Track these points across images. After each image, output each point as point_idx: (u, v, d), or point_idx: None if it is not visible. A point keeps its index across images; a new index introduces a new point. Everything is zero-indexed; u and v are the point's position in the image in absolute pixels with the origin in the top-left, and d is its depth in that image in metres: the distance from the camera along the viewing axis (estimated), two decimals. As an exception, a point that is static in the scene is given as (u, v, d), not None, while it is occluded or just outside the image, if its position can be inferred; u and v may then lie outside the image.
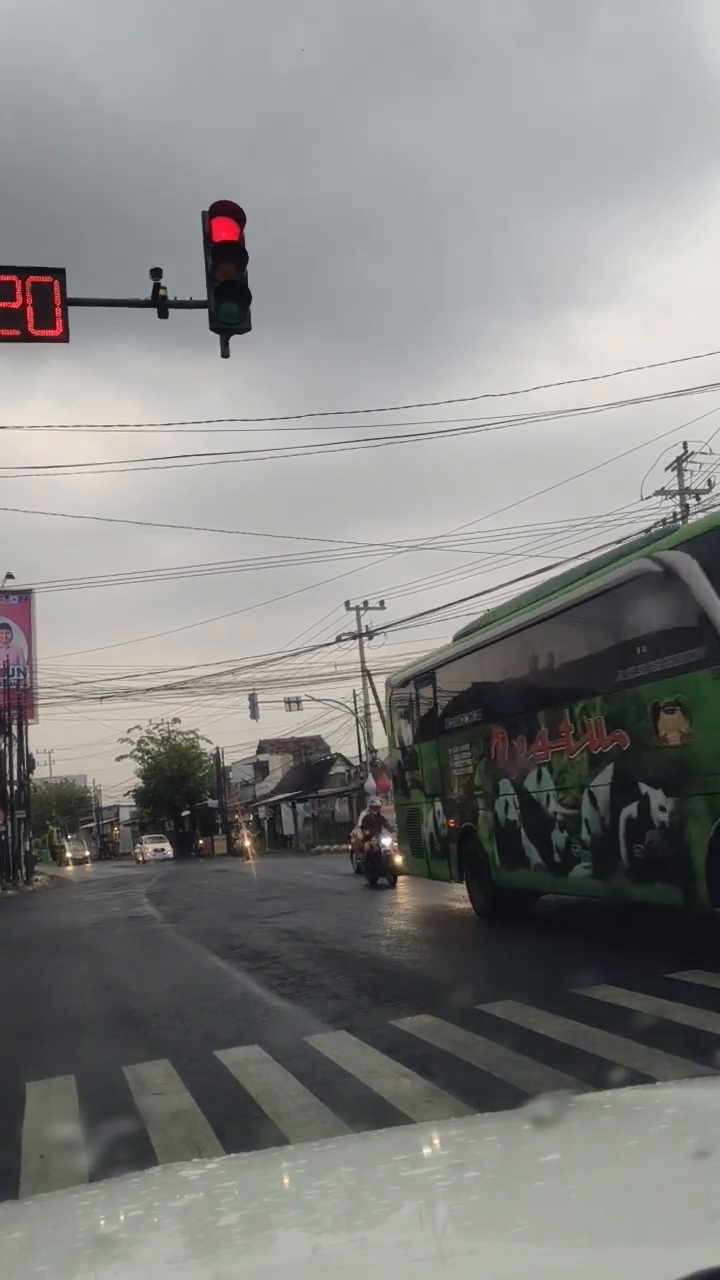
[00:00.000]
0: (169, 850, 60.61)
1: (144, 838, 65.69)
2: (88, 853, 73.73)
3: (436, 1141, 1.82)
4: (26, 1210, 1.85)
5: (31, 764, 48.89)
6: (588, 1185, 1.44)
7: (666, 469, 31.44)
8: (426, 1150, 1.70)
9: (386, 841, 19.57)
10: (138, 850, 63.11)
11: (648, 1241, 1.19)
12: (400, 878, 19.29)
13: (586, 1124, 1.69)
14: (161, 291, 9.43)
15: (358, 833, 24.35)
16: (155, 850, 59.58)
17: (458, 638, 14.84)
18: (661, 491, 31.31)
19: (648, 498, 31.32)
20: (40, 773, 68.46)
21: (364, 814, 22.95)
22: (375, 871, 20.24)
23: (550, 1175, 1.50)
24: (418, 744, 15.66)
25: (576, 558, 34.05)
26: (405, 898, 17.77)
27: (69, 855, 69.56)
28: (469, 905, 13.75)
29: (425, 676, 15.27)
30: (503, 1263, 1.19)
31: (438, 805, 14.64)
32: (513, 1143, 1.66)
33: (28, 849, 45.05)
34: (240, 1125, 5.23)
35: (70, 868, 62.26)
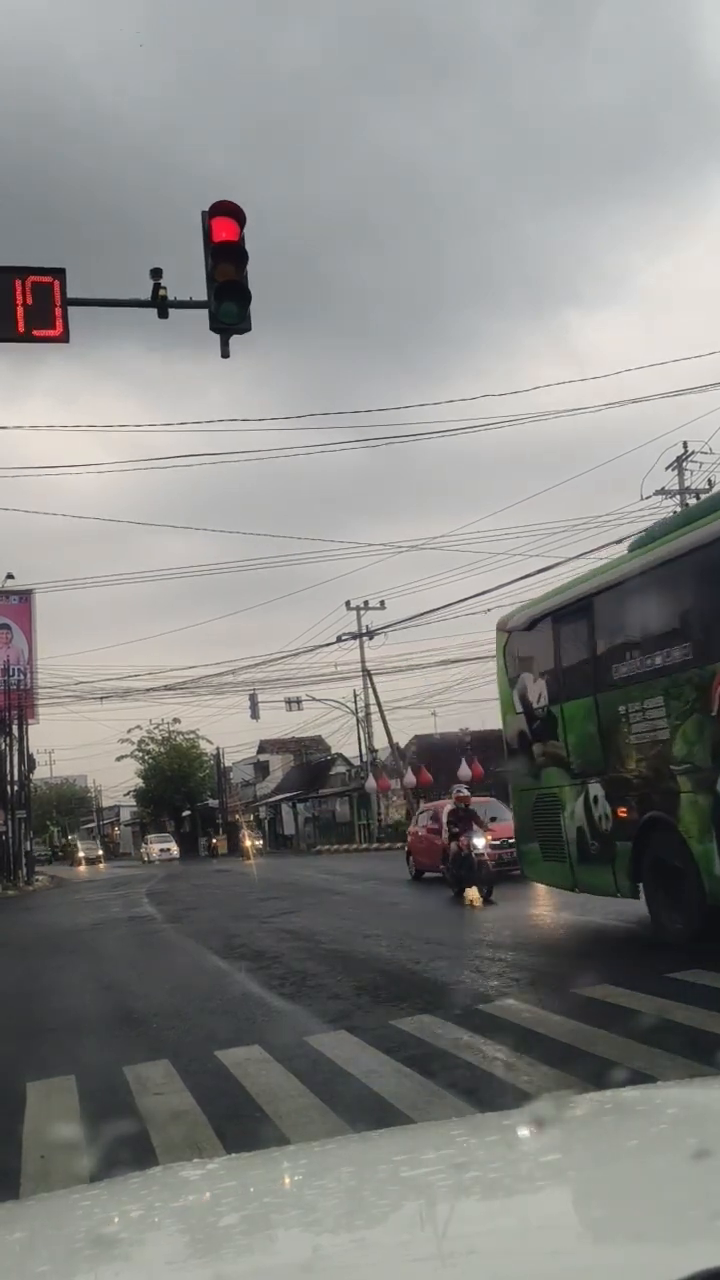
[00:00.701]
0: (175, 850, 59.43)
1: (149, 837, 64.58)
2: (101, 852, 72.01)
3: (437, 1141, 1.82)
4: (27, 1210, 1.85)
5: (32, 764, 48.93)
6: (588, 1185, 1.44)
7: (667, 468, 31.48)
8: (427, 1150, 1.70)
9: (481, 843, 15.64)
10: (143, 850, 62.05)
11: (648, 1241, 1.19)
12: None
13: (587, 1124, 1.70)
14: (161, 292, 9.44)
15: (421, 829, 21.23)
16: (161, 850, 58.44)
17: (637, 548, 10.72)
18: (662, 491, 31.34)
19: (648, 497, 31.33)
20: (41, 773, 68.20)
21: (447, 806, 17.90)
22: (466, 880, 15.40)
23: (551, 1175, 1.50)
24: (559, 704, 11.58)
25: (577, 557, 34.15)
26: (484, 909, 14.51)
27: (82, 855, 67.89)
28: (588, 919, 11.72)
29: (576, 609, 11.24)
30: (503, 1263, 1.18)
31: (596, 788, 10.68)
32: (513, 1143, 1.67)
33: (28, 849, 45.04)
34: (241, 1125, 5.23)
35: (83, 868, 60.87)
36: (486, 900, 14.92)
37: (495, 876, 15.69)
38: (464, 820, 15.99)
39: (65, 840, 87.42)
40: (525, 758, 12.56)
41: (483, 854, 15.68)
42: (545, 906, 14.04)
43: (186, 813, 72.89)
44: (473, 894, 15.02)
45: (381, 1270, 1.21)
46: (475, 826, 15.84)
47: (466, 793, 17.33)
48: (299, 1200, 1.58)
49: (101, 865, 63.06)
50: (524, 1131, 1.69)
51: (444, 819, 17.39)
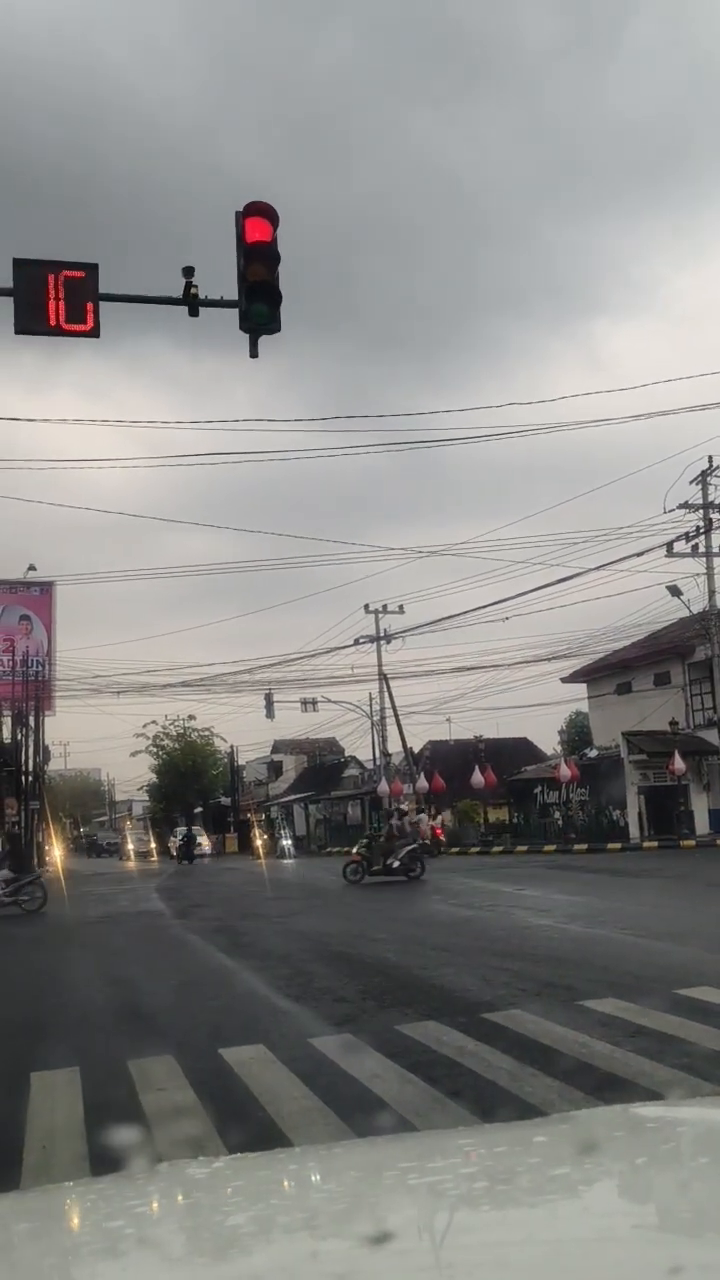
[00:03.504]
0: (207, 846, 53.53)
1: (179, 830, 57.84)
2: (153, 844, 61.63)
3: (445, 1150, 1.81)
4: (32, 1202, 1.86)
5: (47, 755, 49.13)
6: (598, 1201, 1.43)
7: (691, 482, 31.36)
8: (435, 1158, 1.70)
9: None
10: (171, 844, 55.55)
11: (657, 1259, 1.19)
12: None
13: (597, 1139, 1.69)
14: (193, 290, 9.48)
15: None
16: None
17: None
18: (685, 505, 31.22)
19: (671, 511, 31.25)
20: (55, 764, 67.90)
21: None
22: None
23: (560, 1189, 1.49)
24: None
25: (598, 568, 34.11)
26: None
27: (130, 848, 59.40)
28: None
29: None
30: (505, 1276, 1.18)
31: None
32: (522, 1155, 1.66)
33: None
34: (242, 1124, 5.24)
35: (132, 862, 52.66)
36: None
37: None
38: None
39: (78, 832, 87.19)
40: None
41: None
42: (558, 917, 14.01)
43: (199, 809, 73.06)
44: None
45: (384, 1277, 1.20)
46: None
47: None
48: (304, 1203, 1.58)
49: (154, 859, 54.53)
50: (533, 1144, 1.69)
51: None
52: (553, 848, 33.00)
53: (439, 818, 42.46)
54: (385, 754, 48.06)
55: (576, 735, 49.89)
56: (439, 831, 36.95)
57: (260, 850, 48.63)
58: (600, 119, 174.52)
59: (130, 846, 60.43)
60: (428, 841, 30.37)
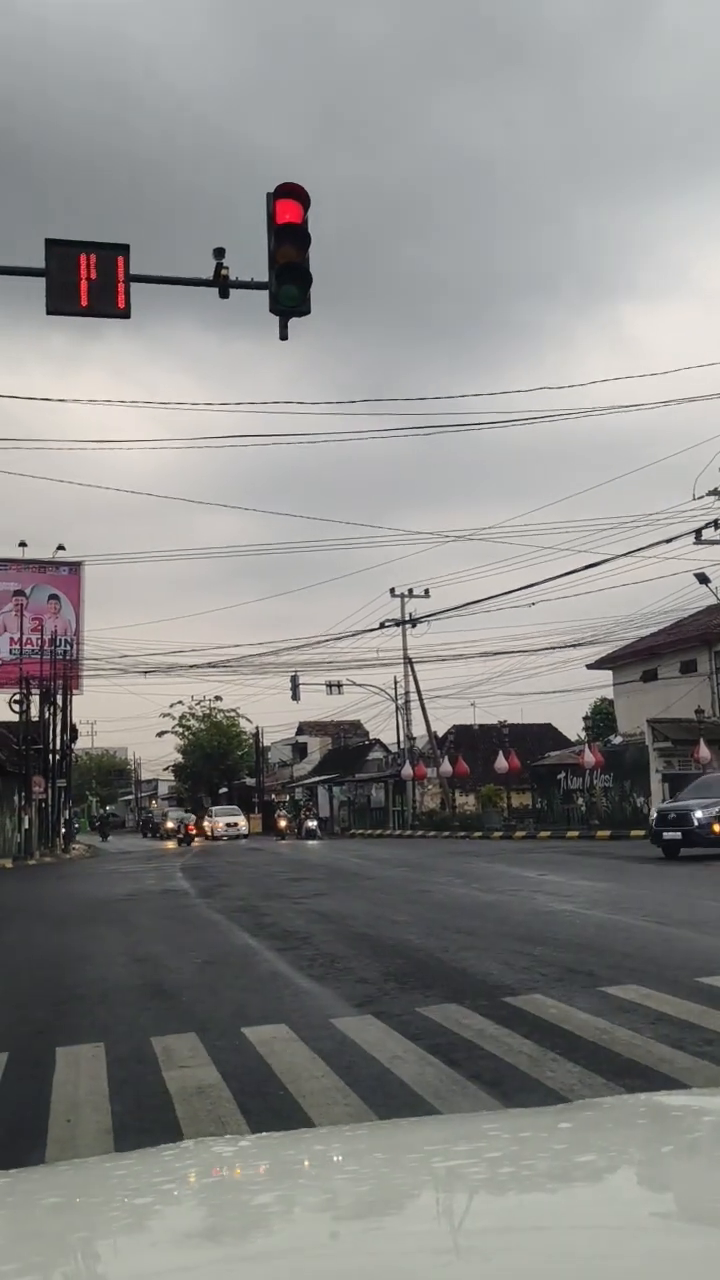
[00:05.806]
0: (244, 826, 51.40)
1: (214, 810, 56.33)
2: (193, 819, 55.34)
3: (468, 1134, 1.82)
4: (61, 1176, 1.89)
5: (74, 734, 49.53)
6: (618, 1188, 1.44)
7: (722, 468, 31.08)
8: (458, 1142, 1.71)
9: None
10: (207, 824, 53.81)
11: (676, 1246, 1.19)
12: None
13: (624, 1127, 1.69)
14: (224, 271, 9.48)
15: None
16: (228, 825, 50.93)
17: None
18: (714, 492, 30.94)
19: (700, 497, 30.99)
20: (82, 743, 68.54)
21: None
22: None
23: (582, 1176, 1.50)
24: None
25: (626, 554, 33.91)
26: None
27: (170, 826, 53.97)
28: None
29: None
30: (524, 1261, 1.19)
31: None
32: (548, 1141, 1.67)
33: (66, 818, 45.50)
34: (264, 1102, 5.29)
35: (171, 844, 47.62)
36: None
37: None
38: None
39: (104, 811, 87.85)
40: None
41: None
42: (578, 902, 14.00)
43: (224, 790, 73.50)
44: None
45: (401, 1260, 1.22)
46: None
47: None
48: (327, 1183, 1.60)
49: (196, 843, 47.29)
50: (556, 1130, 1.70)
51: None
52: (575, 834, 32.96)
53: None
54: (409, 737, 48.14)
55: (601, 722, 49.77)
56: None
57: (284, 831, 48.82)
58: (631, 101, 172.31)
59: (170, 825, 53.32)
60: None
